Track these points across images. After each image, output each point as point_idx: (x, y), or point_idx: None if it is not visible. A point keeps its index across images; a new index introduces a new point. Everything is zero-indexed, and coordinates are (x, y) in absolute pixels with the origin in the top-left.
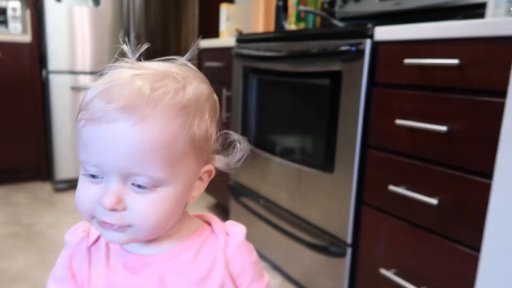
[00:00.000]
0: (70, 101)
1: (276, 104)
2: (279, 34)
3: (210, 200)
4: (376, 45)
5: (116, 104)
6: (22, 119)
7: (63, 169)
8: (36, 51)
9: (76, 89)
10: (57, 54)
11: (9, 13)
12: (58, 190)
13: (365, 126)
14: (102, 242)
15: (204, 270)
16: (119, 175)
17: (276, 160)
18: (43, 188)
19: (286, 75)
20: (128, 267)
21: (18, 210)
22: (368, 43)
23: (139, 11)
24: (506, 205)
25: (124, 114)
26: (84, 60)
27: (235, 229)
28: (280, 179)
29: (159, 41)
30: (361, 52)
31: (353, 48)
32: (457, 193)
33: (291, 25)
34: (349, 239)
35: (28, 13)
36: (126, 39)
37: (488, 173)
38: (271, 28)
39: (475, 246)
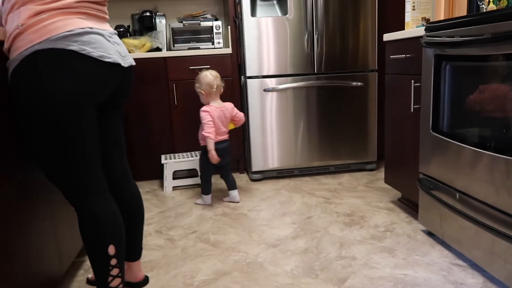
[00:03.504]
0: (261, 102)
1: (473, 91)
2: (481, 17)
3: (395, 193)
4: None
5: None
6: None
7: (257, 162)
8: (235, 60)
9: (266, 90)
10: (251, 62)
11: (214, 30)
12: (253, 180)
13: None
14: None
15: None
16: None
17: (475, 151)
18: (242, 178)
19: (485, 60)
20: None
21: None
22: None
23: (321, 14)
24: None
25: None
26: (269, 65)
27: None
28: (480, 171)
29: (338, 40)
30: None
31: None
32: None
33: (489, 5)
34: None
35: (228, 29)
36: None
37: None
38: (458, 12)
39: None
